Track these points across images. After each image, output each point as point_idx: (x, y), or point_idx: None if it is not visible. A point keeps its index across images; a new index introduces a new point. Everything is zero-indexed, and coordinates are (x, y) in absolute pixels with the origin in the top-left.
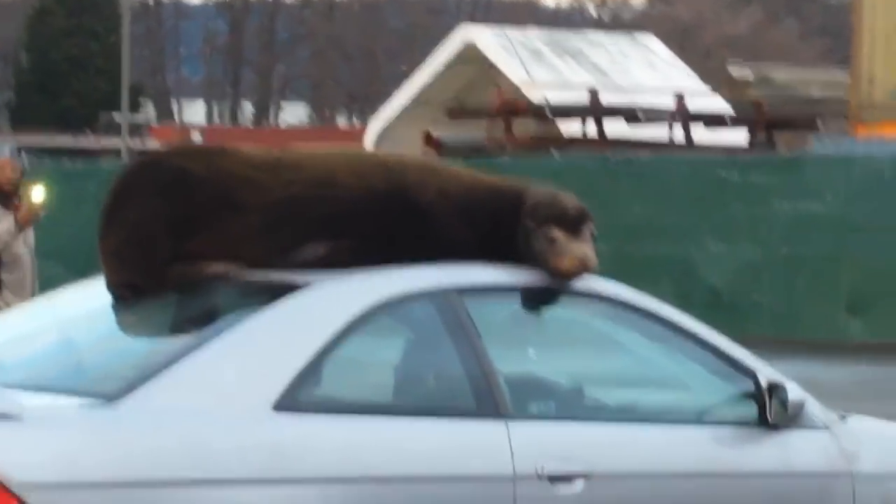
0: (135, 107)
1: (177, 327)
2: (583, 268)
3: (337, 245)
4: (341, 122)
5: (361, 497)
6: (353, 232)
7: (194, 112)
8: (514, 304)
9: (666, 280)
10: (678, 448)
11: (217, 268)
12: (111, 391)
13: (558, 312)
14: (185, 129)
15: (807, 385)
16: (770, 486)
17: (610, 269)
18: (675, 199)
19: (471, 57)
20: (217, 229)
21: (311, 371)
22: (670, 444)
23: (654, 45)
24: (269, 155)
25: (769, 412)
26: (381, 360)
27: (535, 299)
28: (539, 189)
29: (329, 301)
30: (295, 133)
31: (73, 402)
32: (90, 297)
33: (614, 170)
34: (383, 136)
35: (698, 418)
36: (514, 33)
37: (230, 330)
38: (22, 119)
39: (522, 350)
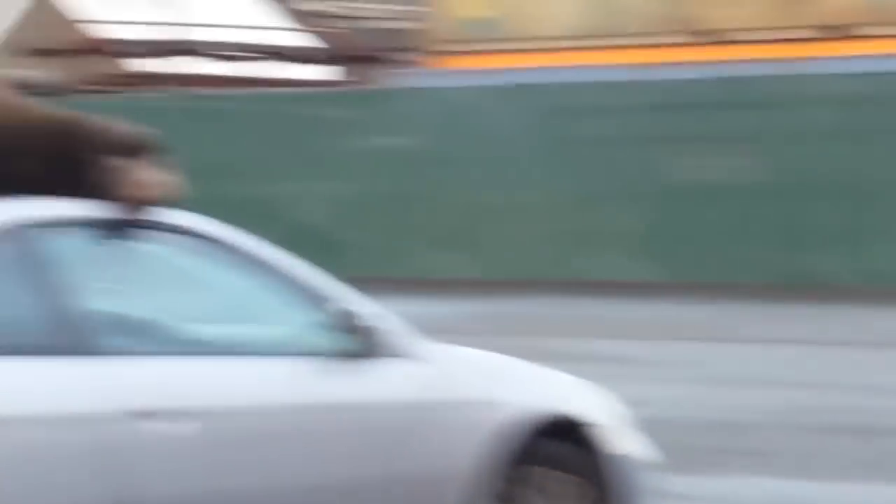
0: None
1: None
2: (149, 194)
3: None
4: None
5: None
6: None
7: None
8: (89, 238)
9: (256, 219)
10: (268, 381)
11: None
12: None
13: (136, 245)
14: None
15: (402, 320)
16: (356, 415)
17: (198, 211)
18: (263, 137)
19: None
20: None
21: None
22: (255, 378)
23: None
24: None
25: (352, 342)
26: None
27: (111, 232)
28: (94, 119)
29: None
30: None
31: None
32: None
33: (197, 108)
34: None
35: (283, 350)
36: None
37: None
38: None
39: (103, 285)
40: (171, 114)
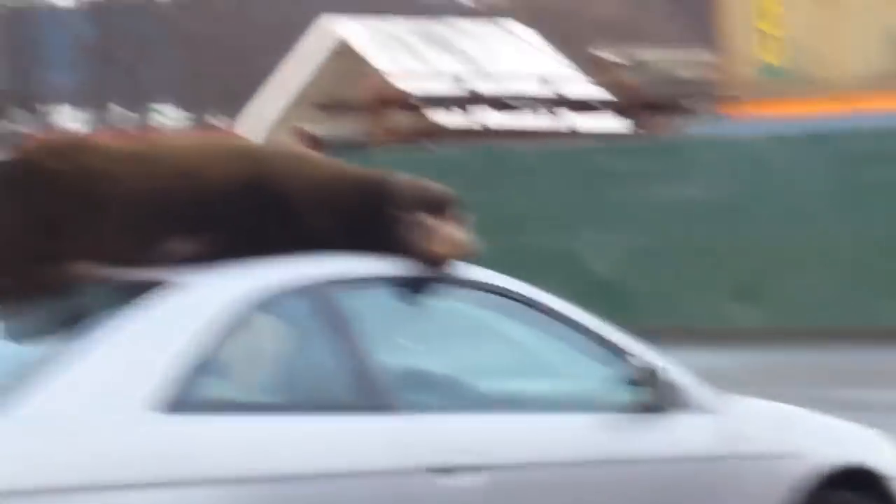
0: (6, 114)
1: (49, 332)
2: (454, 251)
3: (205, 238)
4: (217, 121)
5: (249, 498)
6: (220, 224)
7: (68, 118)
8: (390, 295)
9: (551, 271)
10: (565, 435)
11: (85, 268)
12: None
13: (435, 302)
14: (62, 134)
15: (694, 372)
16: (655, 469)
17: (492, 263)
18: (554, 189)
19: (339, 50)
20: (82, 227)
21: (188, 371)
22: (554, 433)
23: (522, 31)
24: (130, 147)
25: (650, 396)
26: (259, 357)
27: (411, 289)
28: (401, 176)
29: (201, 298)
30: (171, 134)
31: None
32: None
33: (491, 160)
34: (256, 133)
35: (580, 405)
36: (382, 24)
37: (103, 332)
38: None
39: (401, 341)
40: (468, 166)
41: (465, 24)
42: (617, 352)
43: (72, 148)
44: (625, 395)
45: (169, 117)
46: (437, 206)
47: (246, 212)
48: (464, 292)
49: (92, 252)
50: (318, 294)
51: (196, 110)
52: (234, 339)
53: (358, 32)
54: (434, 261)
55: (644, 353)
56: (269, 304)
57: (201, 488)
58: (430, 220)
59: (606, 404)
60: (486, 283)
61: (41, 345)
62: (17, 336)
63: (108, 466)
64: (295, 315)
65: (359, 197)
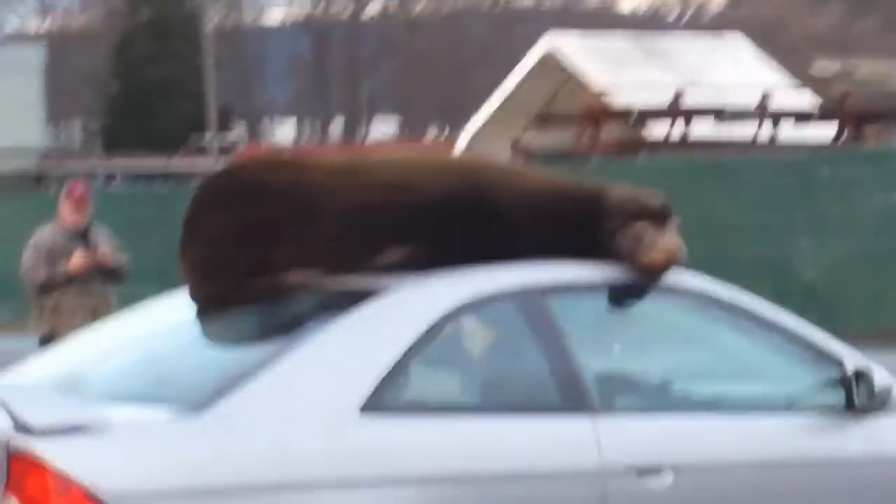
0: (224, 128)
1: (260, 336)
2: (672, 260)
3: (415, 248)
4: (430, 134)
5: (454, 497)
6: (431, 235)
7: (284, 131)
8: (598, 301)
9: (760, 278)
10: (766, 437)
11: (297, 276)
12: (197, 401)
13: (642, 307)
14: (275, 148)
15: None
16: (860, 472)
17: (703, 271)
18: (765, 198)
19: (556, 64)
20: (295, 237)
21: (397, 374)
22: (758, 434)
23: (739, 43)
24: (344, 161)
25: (856, 398)
26: (465, 360)
27: (619, 295)
28: (619, 187)
29: (411, 304)
30: (385, 148)
31: (161, 412)
32: (175, 309)
33: (703, 171)
34: (472, 146)
35: (786, 407)
36: (594, 38)
37: (314, 336)
38: (114, 144)
39: (608, 346)
40: (680, 177)
41: (678, 36)
42: (823, 355)
43: (288, 162)
44: (830, 397)
45: (383, 130)
46: (655, 216)
47: (459, 223)
48: (673, 297)
49: (306, 262)
50: (526, 298)
51: (410, 123)
52: (443, 343)
53: (571, 46)
54: (652, 271)
55: (850, 355)
56: (478, 308)
57: (408, 488)
58: (648, 230)
59: (812, 407)
60: (693, 289)
61: (252, 349)
62: (229, 340)
63: (314, 466)
64: (502, 319)
65: (575, 208)
